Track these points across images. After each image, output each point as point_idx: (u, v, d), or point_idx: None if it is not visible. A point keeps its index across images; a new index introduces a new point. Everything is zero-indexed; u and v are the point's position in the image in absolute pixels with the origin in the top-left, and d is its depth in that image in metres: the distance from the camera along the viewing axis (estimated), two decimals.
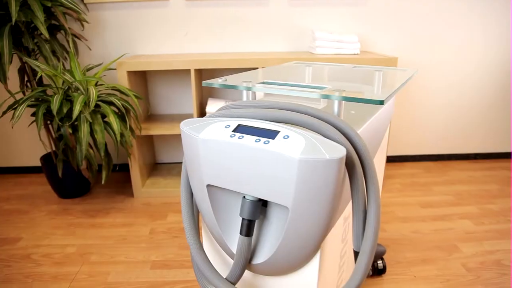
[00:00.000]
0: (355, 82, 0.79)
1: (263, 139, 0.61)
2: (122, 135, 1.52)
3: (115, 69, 1.63)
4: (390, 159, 2.21)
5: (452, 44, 1.96)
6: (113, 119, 1.44)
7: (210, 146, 0.65)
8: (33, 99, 1.51)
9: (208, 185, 0.69)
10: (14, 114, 1.38)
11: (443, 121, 2.13)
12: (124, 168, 2.14)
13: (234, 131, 0.64)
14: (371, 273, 1.24)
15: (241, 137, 0.62)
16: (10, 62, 1.46)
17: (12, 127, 1.97)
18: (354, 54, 1.75)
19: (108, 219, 1.62)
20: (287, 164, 0.57)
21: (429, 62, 1.99)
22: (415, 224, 1.55)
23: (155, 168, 2.05)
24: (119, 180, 2.01)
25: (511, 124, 2.15)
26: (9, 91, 1.50)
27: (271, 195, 0.61)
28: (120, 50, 1.87)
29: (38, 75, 1.31)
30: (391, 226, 1.54)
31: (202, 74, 1.91)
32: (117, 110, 1.61)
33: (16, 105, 1.42)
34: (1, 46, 1.42)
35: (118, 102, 1.50)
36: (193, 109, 1.77)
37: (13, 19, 1.33)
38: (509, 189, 1.85)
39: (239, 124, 0.66)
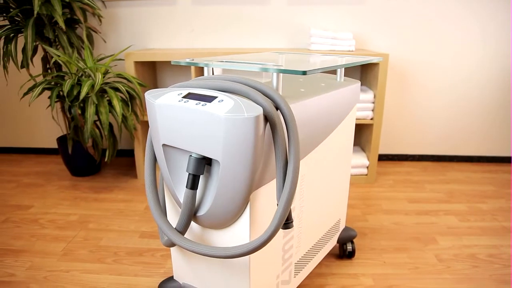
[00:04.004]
0: (306, 63, 0.87)
1: (202, 103, 0.71)
2: (125, 118, 1.67)
3: (124, 59, 1.79)
4: (389, 158, 2.23)
5: (452, 43, 1.97)
6: (116, 103, 1.59)
7: (164, 109, 0.76)
8: (52, 83, 1.69)
9: (163, 145, 0.80)
10: (32, 93, 1.56)
11: (444, 122, 2.13)
12: (133, 154, 2.30)
13: (183, 97, 0.75)
14: (341, 254, 1.29)
15: (186, 101, 0.73)
16: (33, 50, 1.65)
17: (29, 105, 2.19)
18: (349, 51, 1.81)
19: (111, 195, 1.77)
20: (216, 122, 0.67)
21: (429, 61, 2.01)
22: (398, 216, 1.58)
23: None
24: (127, 164, 2.17)
25: (511, 127, 2.11)
26: (30, 75, 1.69)
27: (208, 151, 0.71)
28: (132, 44, 2.04)
29: (52, 60, 1.49)
30: (373, 217, 1.58)
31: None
32: (123, 96, 1.77)
33: (35, 87, 1.61)
34: (25, 36, 1.62)
35: (123, 88, 1.65)
36: None
37: (35, 12, 1.52)
38: (504, 190, 1.83)
39: (189, 92, 0.76)
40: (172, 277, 1.02)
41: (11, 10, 1.72)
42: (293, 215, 0.91)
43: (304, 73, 0.69)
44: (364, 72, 1.99)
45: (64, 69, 1.93)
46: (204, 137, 0.70)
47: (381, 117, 1.78)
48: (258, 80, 0.80)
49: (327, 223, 1.12)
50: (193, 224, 0.86)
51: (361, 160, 1.87)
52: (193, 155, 0.75)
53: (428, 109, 2.10)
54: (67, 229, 1.47)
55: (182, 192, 0.82)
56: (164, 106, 0.75)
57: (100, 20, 1.95)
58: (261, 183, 0.73)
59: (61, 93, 1.78)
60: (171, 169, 0.81)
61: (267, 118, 0.68)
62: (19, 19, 1.74)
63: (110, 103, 1.68)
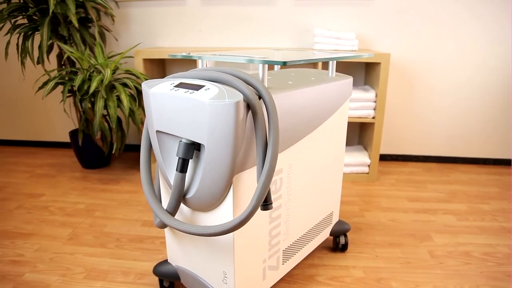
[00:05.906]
0: (296, 57, 0.91)
1: (190, 91, 0.76)
2: (133, 112, 1.74)
3: (133, 57, 1.87)
4: (393, 158, 2.23)
5: (455, 44, 1.97)
6: (124, 97, 1.66)
7: (157, 97, 0.81)
8: (66, 78, 1.78)
9: (156, 131, 0.85)
10: (45, 88, 1.65)
11: (449, 123, 2.12)
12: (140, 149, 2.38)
13: (175, 86, 0.81)
14: (334, 247, 1.32)
15: (176, 89, 0.78)
16: (48, 47, 1.75)
17: (42, 99, 2.30)
18: (352, 50, 1.84)
19: (118, 186, 1.85)
20: (201, 108, 0.72)
21: (433, 62, 2.01)
22: (396, 214, 1.59)
23: None
24: (134, 158, 2.25)
25: (511, 129, 2.08)
26: (45, 70, 1.79)
27: (195, 136, 0.76)
28: (143, 43, 2.13)
29: (65, 56, 1.57)
30: (370, 213, 1.59)
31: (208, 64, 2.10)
32: (132, 92, 1.84)
33: (48, 82, 1.70)
34: (41, 33, 1.72)
35: (131, 84, 1.73)
36: None
37: (50, 10, 1.61)
38: (508, 192, 1.81)
39: (180, 82, 0.82)
40: (167, 260, 1.08)
41: (29, 9, 1.82)
42: (280, 202, 0.95)
43: (285, 63, 0.73)
44: (367, 72, 2.01)
45: (77, 65, 2.02)
46: (191, 123, 0.75)
47: (383, 116, 1.80)
48: (245, 71, 0.84)
49: (318, 214, 1.15)
50: (184, 207, 0.91)
51: (363, 159, 1.89)
52: (183, 140, 0.80)
53: (432, 110, 2.10)
54: (74, 216, 1.54)
55: (173, 175, 0.87)
56: (158, 94, 0.81)
57: (113, 20, 2.04)
58: (243, 167, 0.77)
59: (73, 88, 1.87)
60: (164, 154, 0.87)
61: (249, 106, 0.72)
62: (36, 18, 1.85)
63: (119, 98, 1.76)
